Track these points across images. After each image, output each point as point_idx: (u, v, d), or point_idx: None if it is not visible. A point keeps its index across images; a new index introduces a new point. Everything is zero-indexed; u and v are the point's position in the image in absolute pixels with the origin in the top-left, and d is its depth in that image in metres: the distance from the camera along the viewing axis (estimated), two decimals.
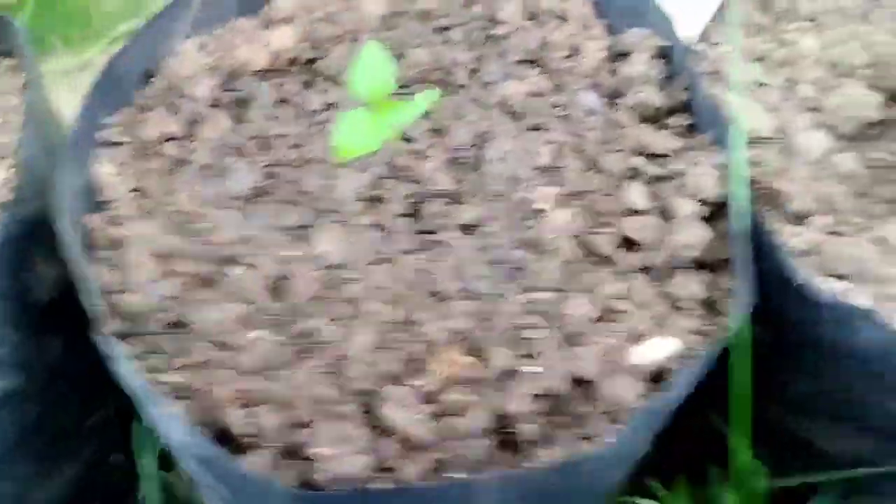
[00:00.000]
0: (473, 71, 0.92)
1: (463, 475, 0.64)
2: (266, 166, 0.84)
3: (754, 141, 0.85)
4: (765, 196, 0.81)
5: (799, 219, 0.79)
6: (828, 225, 0.78)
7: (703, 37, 0.95)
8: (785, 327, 0.81)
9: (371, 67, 0.76)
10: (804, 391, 0.87)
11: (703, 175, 0.79)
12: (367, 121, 0.74)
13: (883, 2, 0.97)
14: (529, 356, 0.70)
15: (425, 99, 0.77)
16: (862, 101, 0.85)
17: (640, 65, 0.90)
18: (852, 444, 0.88)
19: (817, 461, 0.92)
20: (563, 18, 0.98)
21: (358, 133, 0.73)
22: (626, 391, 0.67)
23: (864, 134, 0.85)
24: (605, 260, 0.75)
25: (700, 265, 0.76)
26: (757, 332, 0.84)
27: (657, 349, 0.68)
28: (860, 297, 0.72)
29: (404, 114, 0.76)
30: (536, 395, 0.68)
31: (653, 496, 1.05)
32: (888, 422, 0.80)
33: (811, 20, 0.97)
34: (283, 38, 0.94)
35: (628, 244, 0.76)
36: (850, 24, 0.95)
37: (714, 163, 0.79)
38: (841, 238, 0.76)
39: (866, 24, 0.95)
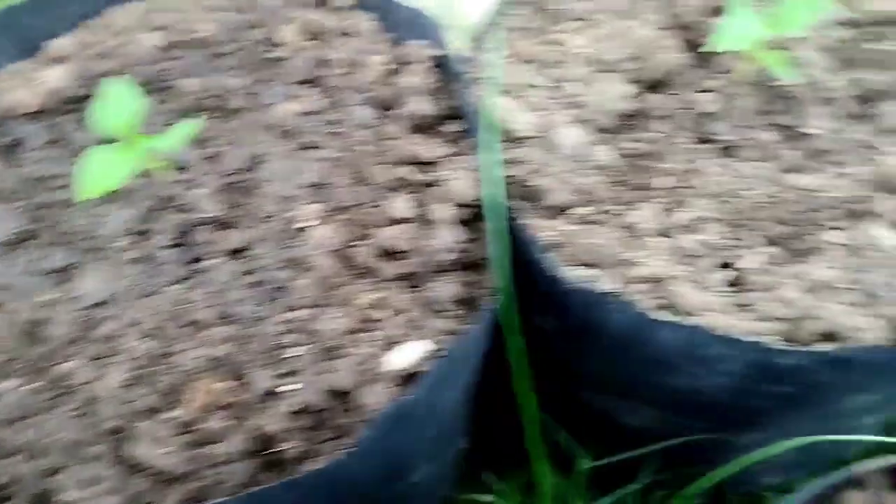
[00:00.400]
0: (250, 95, 0.93)
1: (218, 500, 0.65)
2: (33, 209, 0.83)
3: (518, 141, 0.88)
4: (527, 193, 0.84)
5: (560, 211, 0.83)
6: (585, 215, 0.82)
7: (476, 43, 0.98)
8: (557, 317, 0.84)
9: (115, 103, 0.75)
10: (593, 372, 0.90)
11: (461, 179, 0.81)
12: (112, 156, 0.74)
13: None
14: (290, 374, 0.71)
15: (184, 129, 0.77)
16: (617, 94, 0.89)
17: (414, 76, 0.92)
18: (648, 419, 0.92)
19: (629, 438, 0.96)
20: (348, 35, 0.99)
21: (102, 170, 0.73)
22: (379, 398, 0.68)
23: (620, 126, 0.89)
24: (366, 271, 0.77)
25: (462, 266, 0.78)
26: (543, 323, 0.87)
27: (409, 353, 0.70)
28: (607, 282, 0.75)
29: (160, 145, 0.76)
30: (296, 412, 0.69)
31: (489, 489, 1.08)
32: (662, 394, 0.84)
33: (581, 20, 1.01)
34: (57, 78, 0.93)
35: (389, 254, 0.78)
36: (616, 21, 0.99)
37: (473, 166, 0.82)
38: (592, 227, 0.80)
39: (631, 19, 0.99)
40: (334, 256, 0.77)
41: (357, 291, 0.75)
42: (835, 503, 0.75)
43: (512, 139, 0.88)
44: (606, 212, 0.82)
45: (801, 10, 0.78)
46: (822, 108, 0.87)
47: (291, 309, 0.74)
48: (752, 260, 0.75)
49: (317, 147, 0.87)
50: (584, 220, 0.81)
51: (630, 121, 0.89)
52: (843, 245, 0.75)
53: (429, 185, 0.83)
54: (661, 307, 0.73)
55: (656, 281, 0.75)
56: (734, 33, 0.78)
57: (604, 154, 0.86)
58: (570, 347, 0.88)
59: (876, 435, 0.86)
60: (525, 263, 0.79)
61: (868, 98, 0.88)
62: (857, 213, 0.78)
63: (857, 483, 0.77)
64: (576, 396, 0.97)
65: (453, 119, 0.90)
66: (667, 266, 0.75)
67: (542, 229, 0.79)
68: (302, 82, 0.94)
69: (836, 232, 0.76)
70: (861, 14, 0.95)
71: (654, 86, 0.92)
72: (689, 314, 0.72)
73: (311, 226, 0.79)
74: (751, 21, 0.79)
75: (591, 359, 0.85)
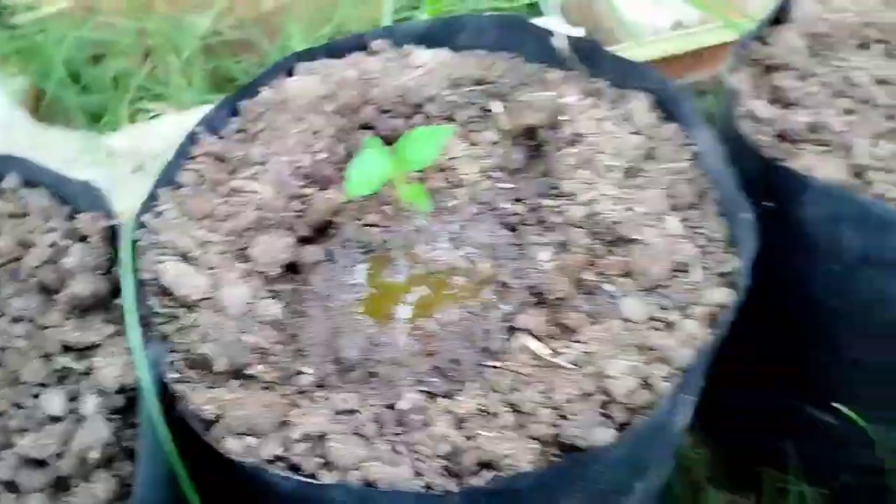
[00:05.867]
0: None
1: None
2: None
3: (190, 306, 0.86)
4: (196, 362, 0.81)
5: (229, 377, 0.81)
6: (255, 377, 0.80)
7: (148, 206, 0.95)
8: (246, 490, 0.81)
9: None
10: None
11: (115, 364, 0.78)
12: None
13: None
14: None
15: None
16: (277, 246, 0.88)
17: (76, 254, 0.89)
18: None
19: None
20: (16, 217, 0.95)
21: None
22: None
23: (284, 275, 0.89)
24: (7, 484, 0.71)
25: (111, 460, 0.74)
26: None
27: None
28: (267, 449, 0.73)
29: None
30: None
31: None
32: None
33: (262, 164, 1.01)
34: None
35: (35, 463, 0.73)
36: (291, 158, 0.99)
37: (125, 348, 0.79)
38: (258, 390, 0.78)
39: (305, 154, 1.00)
40: None
41: None
42: None
43: (185, 305, 0.86)
44: (276, 368, 0.81)
45: (423, 147, 0.82)
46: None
47: None
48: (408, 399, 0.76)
49: None
50: (254, 383, 0.79)
51: (294, 268, 0.89)
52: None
53: (84, 374, 0.79)
54: (322, 466, 0.72)
55: (317, 438, 0.74)
56: (361, 178, 0.80)
57: (271, 308, 0.85)
58: None
59: None
60: (197, 440, 0.76)
61: None
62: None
63: None
64: None
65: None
66: (325, 421, 0.74)
67: (207, 401, 0.77)
68: None
69: None
70: None
71: (322, 227, 0.93)
72: (351, 469, 0.72)
73: None
74: (377, 162, 0.81)
75: None
